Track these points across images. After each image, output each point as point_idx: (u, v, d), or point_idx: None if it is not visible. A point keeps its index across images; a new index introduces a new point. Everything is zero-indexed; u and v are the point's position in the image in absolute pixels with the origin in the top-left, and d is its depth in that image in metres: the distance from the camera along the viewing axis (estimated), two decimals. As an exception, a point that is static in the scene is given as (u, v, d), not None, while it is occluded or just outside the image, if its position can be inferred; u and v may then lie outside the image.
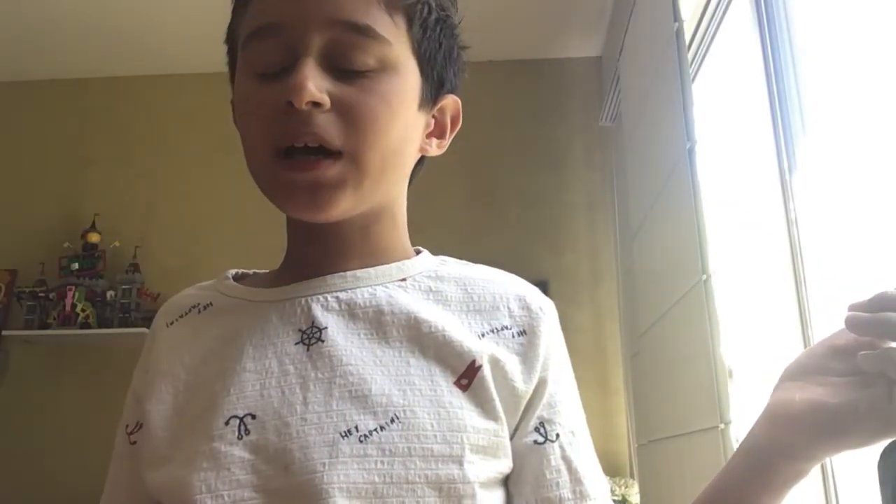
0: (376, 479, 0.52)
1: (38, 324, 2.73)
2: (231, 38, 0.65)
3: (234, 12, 0.64)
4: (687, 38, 1.83)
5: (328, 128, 0.55)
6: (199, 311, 0.65)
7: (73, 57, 3.00)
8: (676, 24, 1.71)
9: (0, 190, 3.04)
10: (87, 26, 2.78)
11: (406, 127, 0.61)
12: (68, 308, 2.69)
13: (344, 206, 0.58)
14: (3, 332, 2.77)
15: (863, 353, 0.48)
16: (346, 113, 0.56)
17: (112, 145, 3.06)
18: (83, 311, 2.69)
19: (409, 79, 0.60)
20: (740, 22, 1.69)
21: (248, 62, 0.59)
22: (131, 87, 3.12)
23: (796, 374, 0.54)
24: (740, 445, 0.57)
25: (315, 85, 0.54)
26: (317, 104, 0.55)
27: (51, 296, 2.74)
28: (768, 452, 0.53)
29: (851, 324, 0.50)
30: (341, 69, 0.57)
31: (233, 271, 0.69)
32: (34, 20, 2.74)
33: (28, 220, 2.99)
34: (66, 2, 2.64)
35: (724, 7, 1.80)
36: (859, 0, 1.30)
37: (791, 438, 0.51)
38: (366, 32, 0.57)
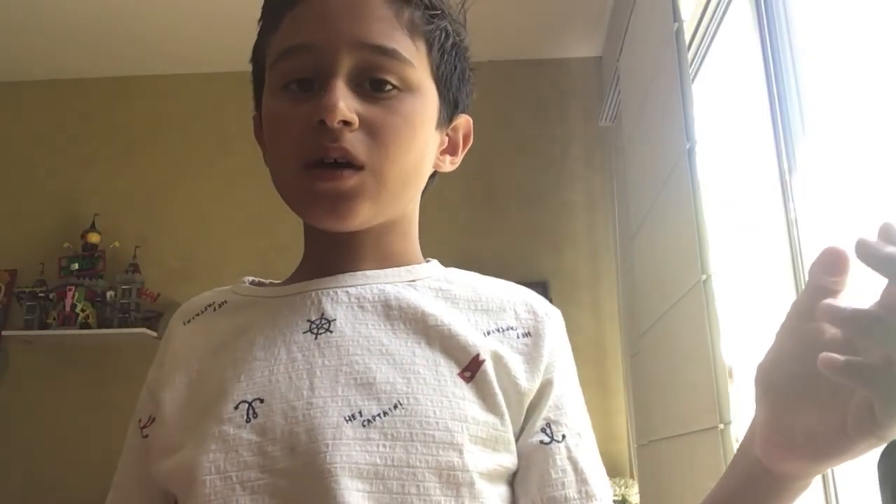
0: (378, 461, 0.53)
1: (38, 324, 2.74)
2: (257, 56, 0.68)
3: (261, 32, 0.67)
4: (687, 38, 1.83)
5: (355, 144, 0.59)
6: (215, 310, 0.68)
7: (73, 57, 3.00)
8: (676, 24, 1.71)
9: (0, 190, 3.04)
10: (87, 26, 2.78)
11: (425, 145, 0.64)
12: (68, 308, 2.69)
13: (363, 217, 0.61)
14: (3, 332, 2.78)
15: (823, 358, 0.40)
16: (373, 131, 0.59)
17: (112, 145, 3.06)
18: (83, 311, 2.70)
19: (428, 100, 0.64)
20: (740, 22, 1.69)
21: (278, 81, 0.62)
22: (131, 87, 3.12)
23: (778, 384, 0.48)
24: (737, 467, 0.54)
25: (345, 105, 0.58)
26: (347, 123, 0.58)
27: (51, 296, 2.74)
28: (773, 477, 0.50)
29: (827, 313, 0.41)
30: (368, 89, 0.60)
31: (249, 278, 0.71)
32: (34, 20, 2.74)
33: (28, 220, 2.99)
34: (66, 2, 2.64)
35: (724, 7, 1.80)
36: (859, 0, 1.30)
37: (791, 465, 0.49)
38: (391, 55, 0.60)
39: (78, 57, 3.00)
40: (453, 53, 0.67)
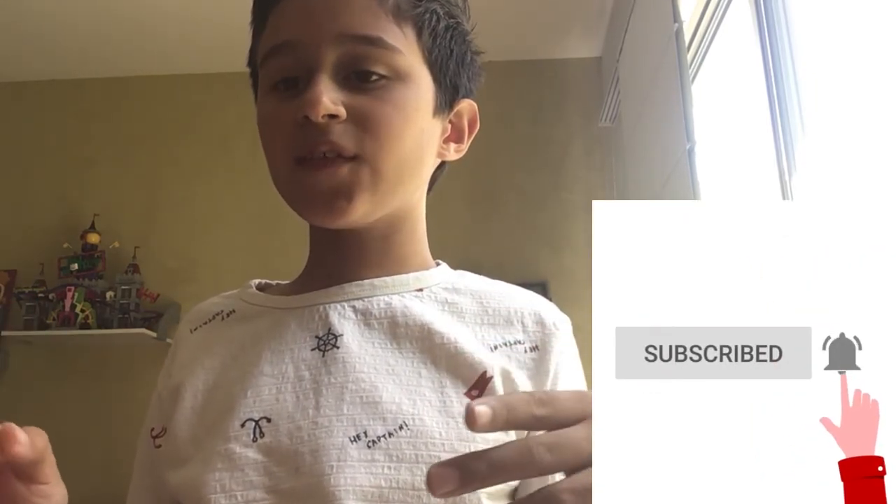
0: (383, 483, 0.53)
1: (38, 324, 2.73)
2: (252, 61, 0.67)
3: (253, 37, 0.66)
4: (687, 38, 1.83)
5: (343, 136, 0.57)
6: (223, 319, 0.67)
7: (73, 57, 3.00)
8: (676, 24, 1.71)
9: (0, 190, 3.04)
10: (87, 26, 2.77)
11: (421, 133, 0.62)
12: (67, 308, 2.69)
13: (361, 211, 0.59)
14: (3, 333, 2.77)
15: None
16: (361, 121, 0.58)
17: (112, 145, 3.06)
18: (83, 311, 2.69)
19: (421, 86, 0.62)
20: (740, 22, 1.69)
21: (267, 81, 0.61)
22: (131, 87, 3.12)
23: None
24: None
25: (330, 98, 0.56)
26: (333, 116, 0.56)
27: (50, 296, 2.74)
28: None
29: None
30: (355, 80, 0.58)
31: (256, 281, 0.70)
32: (34, 20, 2.74)
33: (28, 220, 2.98)
34: (66, 2, 2.64)
35: (723, 7, 1.80)
36: (859, 1, 1.30)
37: None
38: (377, 43, 0.58)
39: (78, 57, 3.00)
40: (447, 37, 0.64)
